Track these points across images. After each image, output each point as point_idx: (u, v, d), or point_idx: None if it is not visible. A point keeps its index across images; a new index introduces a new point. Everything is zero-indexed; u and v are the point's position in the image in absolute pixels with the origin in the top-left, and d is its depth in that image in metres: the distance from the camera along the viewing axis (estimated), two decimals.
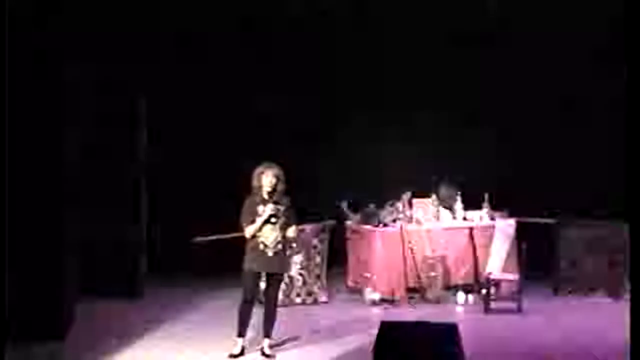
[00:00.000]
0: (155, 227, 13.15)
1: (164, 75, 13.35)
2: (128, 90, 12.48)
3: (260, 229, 9.56)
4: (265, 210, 9.54)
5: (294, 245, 11.76)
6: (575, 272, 12.65)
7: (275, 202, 9.57)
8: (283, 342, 10.12)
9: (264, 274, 9.77)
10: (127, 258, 12.49)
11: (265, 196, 9.58)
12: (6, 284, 9.15)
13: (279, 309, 10.71)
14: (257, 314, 9.89)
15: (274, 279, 9.72)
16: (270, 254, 9.58)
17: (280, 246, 9.63)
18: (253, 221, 9.56)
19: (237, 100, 14.06)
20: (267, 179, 9.56)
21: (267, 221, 9.55)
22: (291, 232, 9.70)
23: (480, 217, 12.80)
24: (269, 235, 9.57)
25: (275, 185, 9.58)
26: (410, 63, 13.98)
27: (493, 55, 13.88)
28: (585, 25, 13.45)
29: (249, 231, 9.59)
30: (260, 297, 10.09)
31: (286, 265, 9.95)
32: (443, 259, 12.33)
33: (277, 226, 9.60)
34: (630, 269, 7.59)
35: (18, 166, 9.72)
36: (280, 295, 11.96)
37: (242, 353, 9.66)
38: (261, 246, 9.58)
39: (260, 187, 9.59)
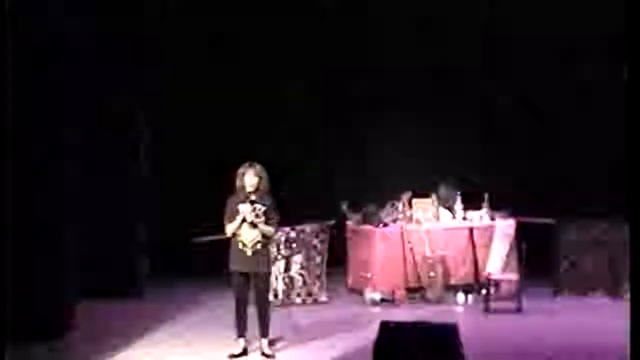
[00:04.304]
0: (156, 227, 13.16)
1: (166, 76, 13.38)
2: (129, 91, 12.50)
3: (239, 228, 9.57)
4: (244, 209, 9.54)
5: (283, 245, 11.92)
6: (575, 272, 12.64)
7: (253, 202, 9.57)
8: (283, 342, 10.12)
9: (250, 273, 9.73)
10: (127, 258, 12.50)
11: (247, 195, 9.59)
12: (6, 284, 9.15)
13: (279, 309, 10.74)
14: (255, 314, 9.88)
15: (258, 279, 9.69)
16: (249, 253, 9.57)
17: (259, 245, 9.60)
18: (234, 220, 9.58)
19: (237, 101, 14.08)
20: (249, 178, 9.56)
21: (245, 220, 9.56)
22: (265, 228, 9.63)
23: (480, 217, 12.80)
24: (248, 235, 9.57)
25: (258, 184, 9.58)
26: (409, 62, 13.99)
27: (494, 55, 13.90)
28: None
29: (228, 230, 9.61)
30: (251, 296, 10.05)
31: (267, 264, 9.90)
32: (443, 259, 12.33)
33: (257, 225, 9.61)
34: (630, 269, 7.57)
35: (18, 166, 9.72)
36: (280, 295, 12.02)
37: (244, 353, 9.67)
38: (240, 245, 9.58)
39: (243, 186, 9.61)
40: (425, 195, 12.81)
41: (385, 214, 12.55)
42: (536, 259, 11.88)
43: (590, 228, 12.62)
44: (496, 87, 13.97)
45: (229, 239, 9.68)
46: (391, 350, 7.56)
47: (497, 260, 12.42)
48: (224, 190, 9.83)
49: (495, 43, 13.91)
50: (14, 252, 9.48)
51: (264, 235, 9.63)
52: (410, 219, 12.58)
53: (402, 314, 11.47)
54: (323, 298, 12.33)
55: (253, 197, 9.56)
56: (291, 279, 12.15)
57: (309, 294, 12.26)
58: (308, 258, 12.25)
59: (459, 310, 12.06)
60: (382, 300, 12.12)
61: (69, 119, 10.68)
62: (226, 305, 10.31)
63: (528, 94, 13.95)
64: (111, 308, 11.69)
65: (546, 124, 13.93)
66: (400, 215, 12.54)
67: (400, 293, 12.22)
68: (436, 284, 12.24)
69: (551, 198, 13.23)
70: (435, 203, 12.80)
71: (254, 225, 9.55)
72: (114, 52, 12.31)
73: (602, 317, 11.39)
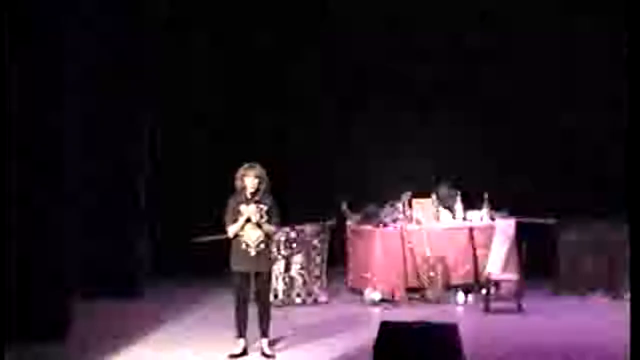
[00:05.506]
0: (156, 227, 13.15)
1: (166, 79, 13.40)
2: (131, 93, 12.51)
3: (242, 228, 9.58)
4: (248, 210, 9.56)
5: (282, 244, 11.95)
6: (575, 272, 12.64)
7: (257, 202, 9.60)
8: (283, 342, 10.12)
9: (252, 273, 9.74)
10: (127, 258, 12.50)
11: (249, 196, 9.61)
12: (6, 283, 9.15)
13: (279, 309, 10.72)
14: (255, 314, 9.88)
15: (261, 278, 9.71)
16: (253, 253, 9.59)
17: (263, 245, 9.64)
18: (235, 221, 9.59)
19: (237, 101, 14.09)
20: (249, 179, 9.59)
21: (248, 220, 9.57)
22: (267, 227, 9.65)
23: (480, 217, 12.80)
24: (252, 235, 9.59)
25: (258, 185, 9.61)
26: (410, 62, 13.99)
27: (493, 54, 13.90)
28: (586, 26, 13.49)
29: (231, 231, 9.62)
30: (252, 296, 10.06)
31: (270, 263, 9.96)
32: (443, 259, 12.33)
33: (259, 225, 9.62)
34: (630, 269, 7.57)
35: (19, 166, 9.72)
36: (280, 295, 12.03)
37: (244, 353, 9.67)
38: (244, 246, 9.59)
39: (243, 187, 9.63)
40: (425, 195, 12.82)
41: (385, 214, 12.56)
42: (536, 259, 11.87)
43: (590, 228, 12.62)
44: (497, 87, 13.96)
45: (229, 239, 9.69)
46: (391, 350, 7.57)
47: (497, 260, 12.41)
48: (224, 190, 9.84)
49: (495, 39, 13.89)
50: (14, 252, 9.49)
51: (266, 235, 9.65)
52: (410, 219, 12.58)
53: (402, 314, 11.46)
54: (323, 298, 12.33)
55: (257, 198, 9.59)
56: (291, 279, 12.15)
57: (309, 294, 12.26)
58: (308, 258, 12.24)
59: (459, 310, 12.06)
60: (382, 300, 12.11)
61: (69, 118, 10.69)
62: (226, 306, 10.32)
63: (529, 94, 13.92)
64: (111, 308, 11.69)
65: (547, 123, 13.91)
66: (400, 215, 12.54)
67: (400, 293, 12.22)
68: (436, 284, 12.23)
69: (551, 198, 13.22)
70: (435, 203, 12.80)
71: (258, 225, 9.57)
72: (114, 52, 12.32)
73: (602, 317, 11.39)
